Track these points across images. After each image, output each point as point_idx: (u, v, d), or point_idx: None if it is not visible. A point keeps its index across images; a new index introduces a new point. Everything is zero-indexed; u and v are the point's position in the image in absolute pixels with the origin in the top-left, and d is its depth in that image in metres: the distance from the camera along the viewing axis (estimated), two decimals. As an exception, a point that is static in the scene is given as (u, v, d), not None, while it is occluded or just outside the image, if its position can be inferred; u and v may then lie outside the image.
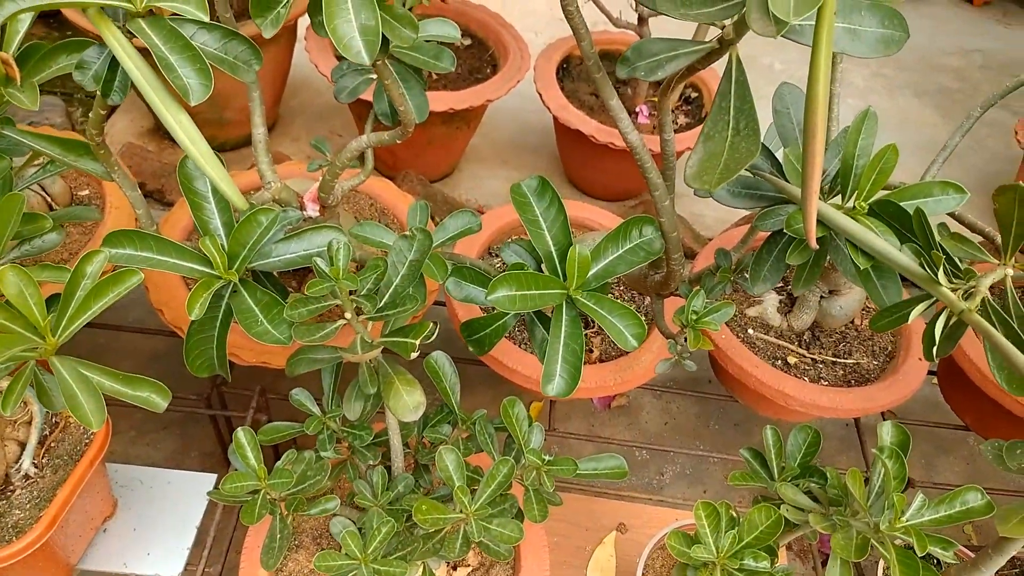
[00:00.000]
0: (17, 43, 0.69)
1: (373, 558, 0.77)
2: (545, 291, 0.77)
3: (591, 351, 1.18)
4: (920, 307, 0.66)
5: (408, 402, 0.71)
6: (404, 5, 1.22)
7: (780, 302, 1.24)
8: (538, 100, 1.68)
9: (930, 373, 1.31)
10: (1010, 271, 0.67)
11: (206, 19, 0.61)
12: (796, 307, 1.20)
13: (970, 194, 0.74)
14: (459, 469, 0.77)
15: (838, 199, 0.75)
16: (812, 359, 1.19)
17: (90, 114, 0.71)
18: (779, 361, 1.19)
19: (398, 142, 0.85)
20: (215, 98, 1.82)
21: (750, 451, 0.83)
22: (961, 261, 0.69)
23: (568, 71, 1.81)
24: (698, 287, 0.90)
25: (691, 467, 1.46)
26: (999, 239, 0.68)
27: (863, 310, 1.27)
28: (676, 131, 1.80)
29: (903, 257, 0.66)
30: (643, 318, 0.78)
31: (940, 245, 0.64)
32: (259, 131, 0.89)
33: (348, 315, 0.73)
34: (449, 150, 1.82)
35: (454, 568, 0.98)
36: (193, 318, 0.71)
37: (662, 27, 1.64)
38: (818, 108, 0.57)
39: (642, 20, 1.56)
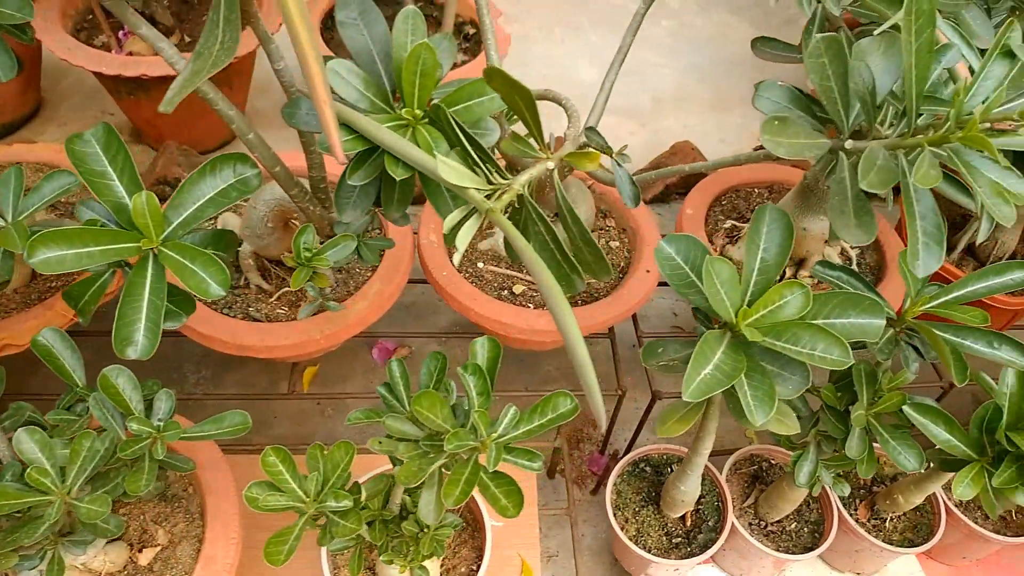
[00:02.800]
0: None
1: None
2: (112, 246, 0.71)
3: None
4: (456, 213, 0.62)
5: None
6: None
7: (508, 231, 1.20)
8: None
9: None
10: (551, 164, 0.63)
11: None
12: (520, 234, 1.16)
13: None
14: (46, 449, 0.71)
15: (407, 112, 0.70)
16: (539, 285, 1.16)
17: None
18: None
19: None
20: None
21: (386, 386, 0.79)
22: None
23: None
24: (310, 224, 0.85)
25: (473, 410, 1.43)
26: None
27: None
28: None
29: (430, 160, 0.62)
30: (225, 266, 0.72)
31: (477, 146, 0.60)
32: None
33: None
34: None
35: (140, 551, 0.93)
36: None
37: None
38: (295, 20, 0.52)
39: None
